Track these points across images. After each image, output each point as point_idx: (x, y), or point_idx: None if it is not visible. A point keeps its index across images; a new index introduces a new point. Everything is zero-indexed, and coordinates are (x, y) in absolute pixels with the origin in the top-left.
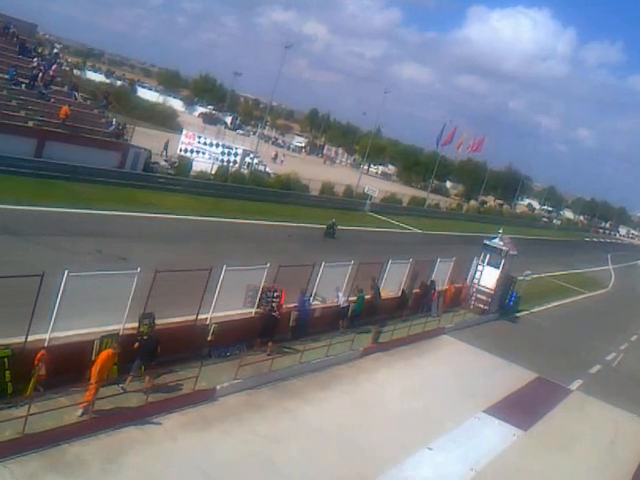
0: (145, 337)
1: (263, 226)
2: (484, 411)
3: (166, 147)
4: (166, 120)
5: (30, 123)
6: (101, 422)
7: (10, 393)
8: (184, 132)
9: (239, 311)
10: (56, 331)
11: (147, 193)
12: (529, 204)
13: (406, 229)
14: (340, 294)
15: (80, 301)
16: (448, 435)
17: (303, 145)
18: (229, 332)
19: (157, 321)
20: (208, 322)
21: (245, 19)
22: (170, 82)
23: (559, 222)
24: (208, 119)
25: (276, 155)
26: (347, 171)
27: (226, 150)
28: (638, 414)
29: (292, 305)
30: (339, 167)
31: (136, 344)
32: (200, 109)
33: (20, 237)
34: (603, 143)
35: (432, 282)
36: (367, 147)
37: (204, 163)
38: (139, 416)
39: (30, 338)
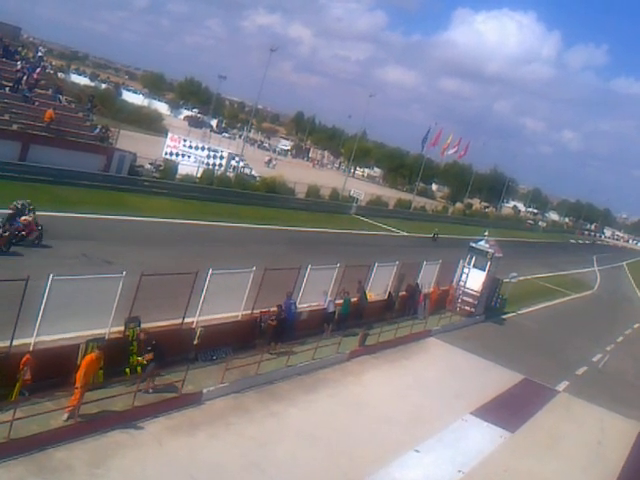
0: (154, 342)
1: (249, 229)
2: (471, 413)
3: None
4: (151, 123)
5: (14, 126)
6: (87, 426)
7: None
8: (169, 135)
9: (225, 315)
10: (41, 335)
11: (132, 196)
12: (514, 206)
13: (392, 232)
14: (328, 297)
15: (65, 305)
16: (435, 437)
17: (288, 148)
18: (215, 335)
19: (143, 325)
20: (194, 326)
21: (230, 22)
22: (155, 85)
23: (544, 224)
24: (193, 122)
25: (270, 160)
26: (334, 174)
27: (212, 153)
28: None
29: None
30: (327, 170)
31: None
32: (185, 112)
33: None
34: (588, 145)
35: (418, 284)
36: (353, 150)
37: (190, 166)
38: (125, 420)
39: (15, 342)
